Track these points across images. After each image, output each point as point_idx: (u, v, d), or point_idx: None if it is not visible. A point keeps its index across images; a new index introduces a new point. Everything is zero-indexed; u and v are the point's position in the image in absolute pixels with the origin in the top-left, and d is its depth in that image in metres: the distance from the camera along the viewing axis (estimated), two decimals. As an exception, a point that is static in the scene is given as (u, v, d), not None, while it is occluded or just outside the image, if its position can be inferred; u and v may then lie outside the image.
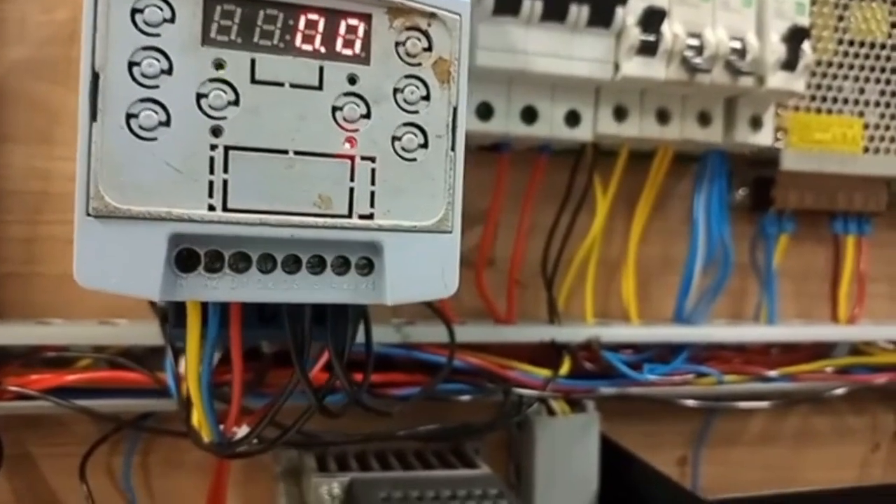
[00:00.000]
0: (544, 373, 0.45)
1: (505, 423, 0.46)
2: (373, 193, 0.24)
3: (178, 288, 0.23)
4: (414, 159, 0.24)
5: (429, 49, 0.24)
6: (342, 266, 0.24)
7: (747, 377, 0.50)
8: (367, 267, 0.24)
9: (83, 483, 0.43)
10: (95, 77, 0.21)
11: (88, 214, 0.22)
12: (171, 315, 0.30)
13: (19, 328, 0.40)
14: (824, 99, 0.49)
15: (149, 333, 0.40)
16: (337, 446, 0.44)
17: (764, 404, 0.51)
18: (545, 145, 0.45)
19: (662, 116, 0.44)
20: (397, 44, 0.24)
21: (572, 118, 0.42)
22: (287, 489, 0.44)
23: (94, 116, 0.21)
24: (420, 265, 0.24)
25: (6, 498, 0.43)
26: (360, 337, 0.32)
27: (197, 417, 0.32)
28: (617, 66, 0.40)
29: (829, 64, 0.49)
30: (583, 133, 0.43)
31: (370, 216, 0.24)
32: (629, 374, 0.47)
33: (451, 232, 0.25)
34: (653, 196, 0.49)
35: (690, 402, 0.49)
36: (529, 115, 0.41)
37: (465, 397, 0.44)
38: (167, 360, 0.39)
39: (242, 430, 0.32)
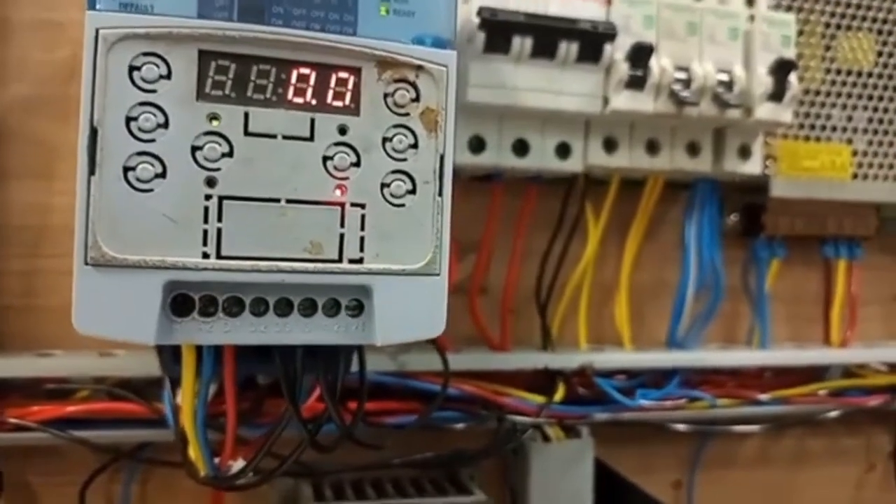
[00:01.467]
0: (538, 399, 0.46)
1: (500, 450, 0.47)
2: (362, 238, 0.25)
3: (173, 332, 0.23)
4: (402, 205, 0.25)
5: (416, 100, 0.25)
6: (333, 308, 0.25)
7: (740, 401, 0.50)
8: (358, 309, 0.25)
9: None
10: (94, 132, 0.22)
11: (86, 264, 0.23)
12: (168, 353, 0.31)
13: (19, 360, 0.41)
14: (812, 127, 0.50)
15: (147, 364, 0.40)
16: (333, 475, 0.44)
17: (757, 428, 0.51)
18: (537, 175, 0.46)
19: (652, 147, 0.44)
20: (386, 95, 0.24)
21: (563, 150, 0.43)
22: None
23: (92, 170, 0.22)
24: (409, 307, 0.25)
25: (6, 526, 0.44)
26: (355, 365, 0.33)
27: (193, 452, 0.33)
28: (606, 100, 0.41)
29: (817, 93, 0.50)
30: (573, 164, 0.43)
31: (360, 260, 0.25)
32: (622, 401, 0.47)
33: (438, 274, 0.25)
34: (644, 223, 0.50)
35: (683, 427, 0.49)
36: (521, 147, 0.42)
37: (460, 425, 0.45)
38: (165, 391, 0.39)
39: (238, 463, 0.32)
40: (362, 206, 0.24)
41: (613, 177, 0.48)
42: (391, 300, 0.25)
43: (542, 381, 0.47)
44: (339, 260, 0.24)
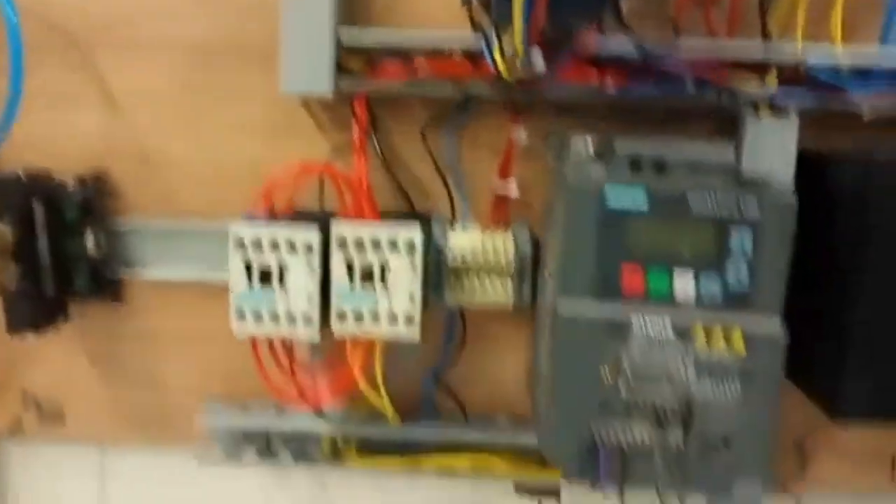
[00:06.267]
0: (755, 81, 0.57)
1: (721, 112, 0.59)
2: None
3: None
4: None
5: None
6: None
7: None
8: None
9: (426, 146, 0.64)
10: None
11: None
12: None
13: (386, 31, 0.60)
14: None
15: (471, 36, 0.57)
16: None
17: None
18: None
19: None
20: None
21: None
22: (555, 160, 0.61)
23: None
24: None
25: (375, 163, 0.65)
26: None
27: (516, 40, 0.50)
28: None
29: None
30: None
31: None
32: (833, 82, 0.56)
33: None
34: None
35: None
36: None
37: (689, 92, 0.58)
38: (484, 45, 0.55)
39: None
40: None
41: None
42: None
43: (759, 69, 0.58)
44: None
